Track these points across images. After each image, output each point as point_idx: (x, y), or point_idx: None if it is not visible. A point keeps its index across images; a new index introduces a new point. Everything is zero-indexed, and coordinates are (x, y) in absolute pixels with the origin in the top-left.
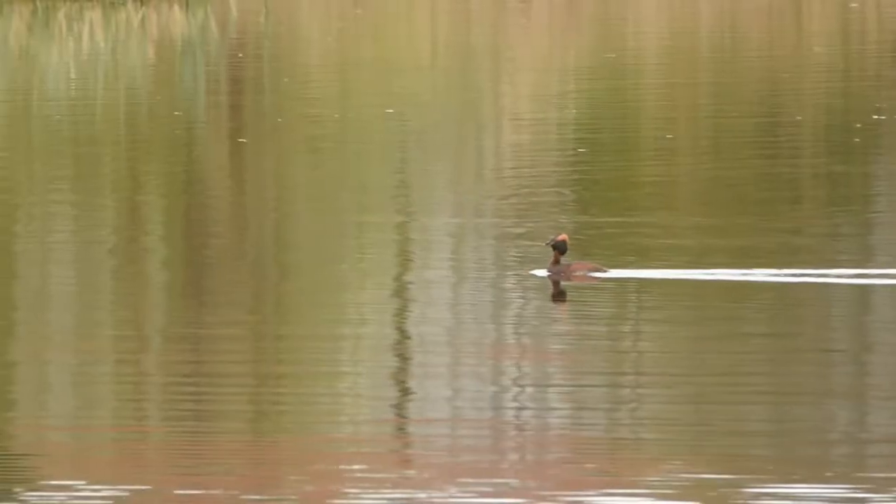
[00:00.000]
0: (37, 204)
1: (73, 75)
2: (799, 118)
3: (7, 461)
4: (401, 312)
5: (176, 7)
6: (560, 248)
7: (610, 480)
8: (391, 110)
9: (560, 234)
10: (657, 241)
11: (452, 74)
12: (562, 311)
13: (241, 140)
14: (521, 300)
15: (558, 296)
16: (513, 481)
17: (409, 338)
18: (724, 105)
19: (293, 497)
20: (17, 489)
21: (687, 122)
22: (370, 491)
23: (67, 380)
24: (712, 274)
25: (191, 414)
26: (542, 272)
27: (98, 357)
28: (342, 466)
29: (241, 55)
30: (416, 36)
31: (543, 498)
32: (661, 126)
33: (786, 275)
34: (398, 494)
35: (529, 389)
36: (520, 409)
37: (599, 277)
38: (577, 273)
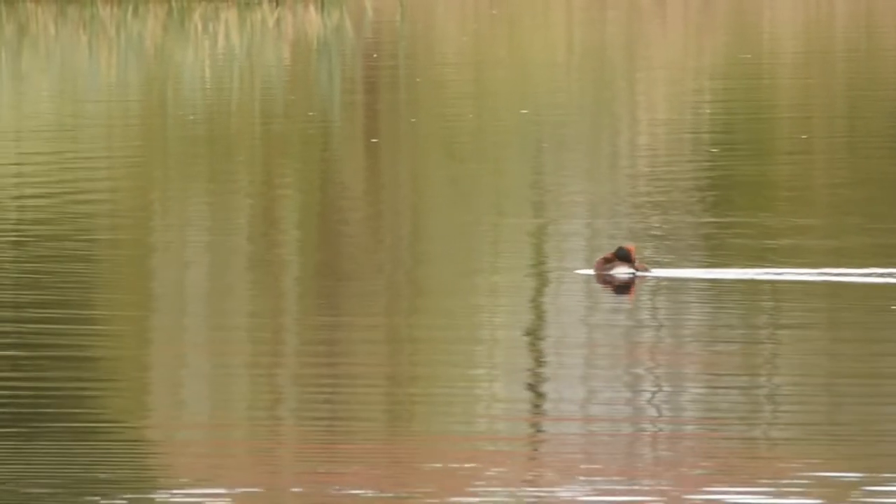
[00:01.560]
0: (171, 203)
1: (208, 75)
2: None
3: (141, 460)
4: (535, 312)
5: (311, 7)
6: (621, 256)
7: (742, 479)
8: (526, 111)
9: (627, 244)
10: (787, 241)
11: (587, 74)
12: (694, 311)
13: (374, 140)
14: (654, 300)
15: (621, 290)
16: (644, 480)
17: (542, 337)
18: (859, 105)
19: (427, 497)
20: (151, 488)
21: (822, 122)
22: (502, 490)
23: (201, 378)
24: (845, 274)
25: (324, 414)
26: (590, 272)
27: (232, 356)
28: (476, 465)
29: (375, 55)
30: (552, 36)
31: (675, 498)
32: (796, 126)
33: None
34: (530, 493)
35: (661, 389)
36: (651, 408)
37: (642, 276)
38: (616, 272)
